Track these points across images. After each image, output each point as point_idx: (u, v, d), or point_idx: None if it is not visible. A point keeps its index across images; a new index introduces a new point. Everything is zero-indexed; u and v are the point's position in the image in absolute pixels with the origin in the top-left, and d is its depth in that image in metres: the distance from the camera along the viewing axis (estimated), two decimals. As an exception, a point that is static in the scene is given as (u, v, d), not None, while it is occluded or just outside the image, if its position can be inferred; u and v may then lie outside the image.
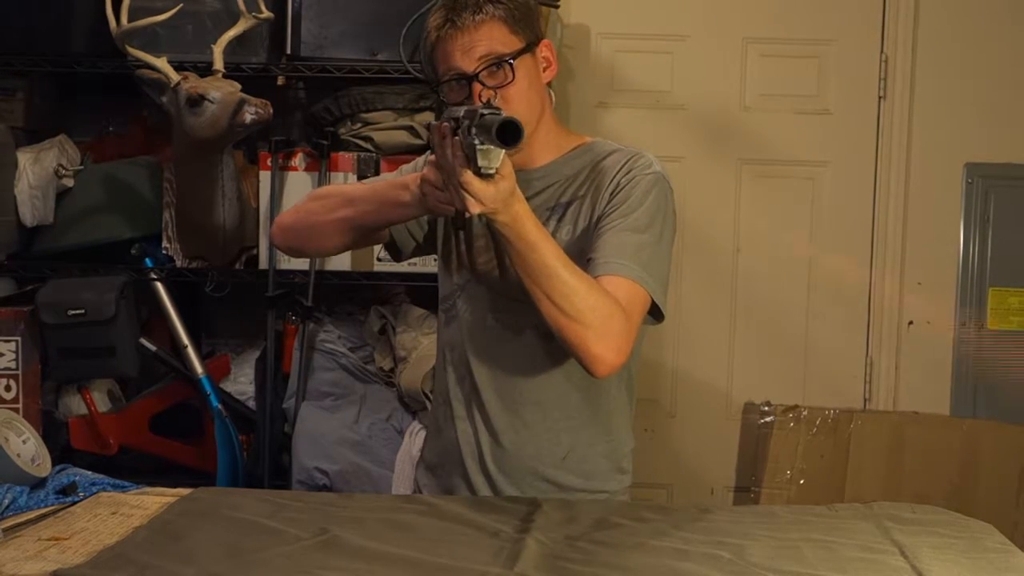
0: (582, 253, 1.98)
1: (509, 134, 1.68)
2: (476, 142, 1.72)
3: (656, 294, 1.94)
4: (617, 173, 2.03)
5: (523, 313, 2.00)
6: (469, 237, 2.10)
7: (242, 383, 3.61)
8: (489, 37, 1.98)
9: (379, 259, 3.34)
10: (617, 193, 2.00)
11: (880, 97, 3.81)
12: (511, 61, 1.98)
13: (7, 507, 1.86)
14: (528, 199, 1.91)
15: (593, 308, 1.85)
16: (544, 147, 2.08)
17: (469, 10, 1.98)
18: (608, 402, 2.13)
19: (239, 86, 3.07)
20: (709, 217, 3.84)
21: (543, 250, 1.84)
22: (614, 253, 1.93)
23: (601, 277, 1.91)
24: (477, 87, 1.96)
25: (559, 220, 2.05)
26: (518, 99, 1.99)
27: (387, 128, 3.34)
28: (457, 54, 1.97)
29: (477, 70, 1.97)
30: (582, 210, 2.05)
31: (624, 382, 2.14)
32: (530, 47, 2.02)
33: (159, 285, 3.41)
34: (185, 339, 3.39)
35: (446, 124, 1.79)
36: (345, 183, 2.19)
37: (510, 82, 1.98)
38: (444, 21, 1.99)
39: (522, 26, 2.01)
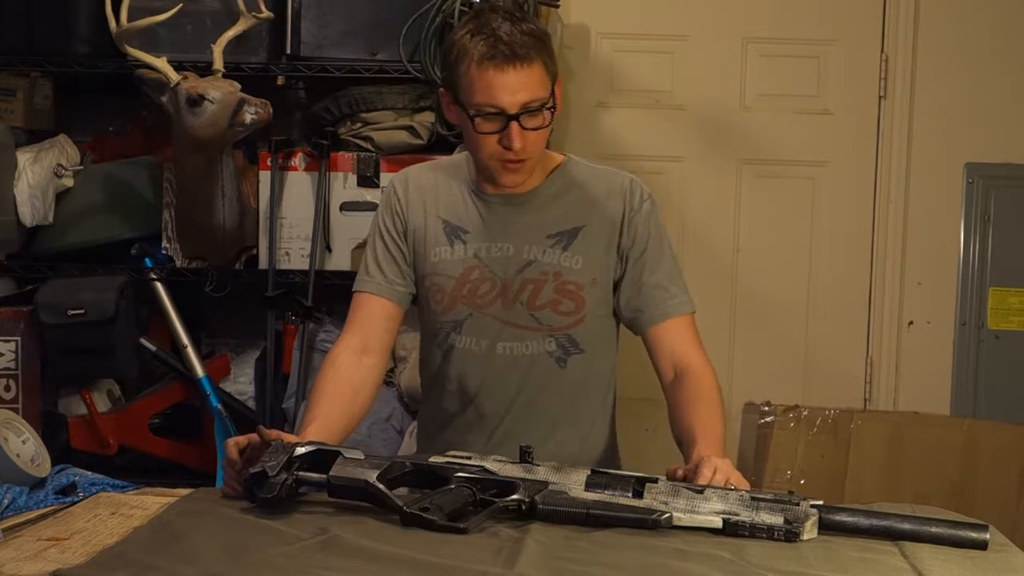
0: (595, 282, 2.10)
1: None
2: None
3: (692, 302, 2.18)
4: (626, 209, 2.12)
5: (532, 339, 2.10)
6: (451, 271, 2.12)
7: (242, 383, 3.61)
8: (532, 81, 1.99)
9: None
10: (635, 234, 2.12)
11: (880, 97, 3.81)
12: (552, 109, 2.02)
13: (7, 507, 1.85)
14: (516, 222, 2.10)
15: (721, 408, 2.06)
16: (535, 173, 2.12)
17: (518, 54, 1.97)
18: (606, 405, 2.21)
19: (239, 86, 3.07)
20: (709, 217, 3.84)
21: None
22: (663, 300, 2.14)
23: (669, 321, 2.13)
24: (515, 127, 1.99)
25: (564, 248, 2.10)
26: (543, 139, 2.06)
27: (387, 128, 3.34)
28: (503, 93, 1.98)
29: (519, 112, 1.99)
30: (590, 239, 2.11)
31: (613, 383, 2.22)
32: (554, 85, 2.04)
33: (159, 285, 3.41)
34: (185, 339, 3.39)
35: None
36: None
37: (546, 125, 2.03)
38: (491, 53, 1.97)
39: (552, 66, 2.03)
